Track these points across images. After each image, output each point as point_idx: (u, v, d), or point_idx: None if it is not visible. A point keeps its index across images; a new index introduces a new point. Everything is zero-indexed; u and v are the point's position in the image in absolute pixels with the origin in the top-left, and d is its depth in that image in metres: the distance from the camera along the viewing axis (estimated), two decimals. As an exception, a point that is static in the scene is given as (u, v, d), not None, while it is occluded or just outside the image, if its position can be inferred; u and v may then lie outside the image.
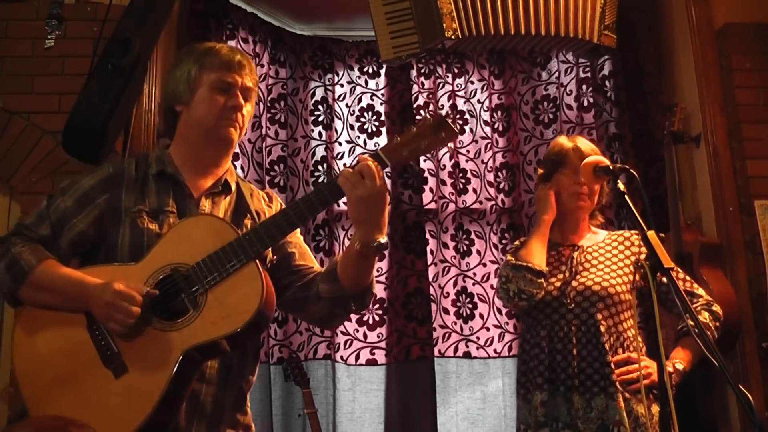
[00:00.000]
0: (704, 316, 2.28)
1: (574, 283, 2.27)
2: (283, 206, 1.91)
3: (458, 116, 3.59)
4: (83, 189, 1.78)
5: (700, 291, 2.36)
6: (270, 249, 1.78)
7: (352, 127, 3.58)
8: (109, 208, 1.75)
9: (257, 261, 1.66)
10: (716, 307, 2.32)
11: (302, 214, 1.70)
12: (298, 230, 1.88)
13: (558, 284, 2.29)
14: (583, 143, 2.40)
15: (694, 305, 2.31)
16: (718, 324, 2.30)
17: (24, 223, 1.79)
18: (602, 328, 2.20)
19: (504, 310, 3.40)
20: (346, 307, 1.82)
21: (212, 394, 1.69)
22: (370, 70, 3.65)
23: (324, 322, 1.89)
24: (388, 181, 3.51)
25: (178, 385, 1.59)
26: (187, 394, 1.64)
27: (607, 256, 2.33)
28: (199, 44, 1.92)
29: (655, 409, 2.16)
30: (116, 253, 1.71)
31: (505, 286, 2.28)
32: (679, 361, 2.23)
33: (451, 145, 1.70)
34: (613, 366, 2.16)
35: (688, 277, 2.39)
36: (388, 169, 1.69)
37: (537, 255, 2.28)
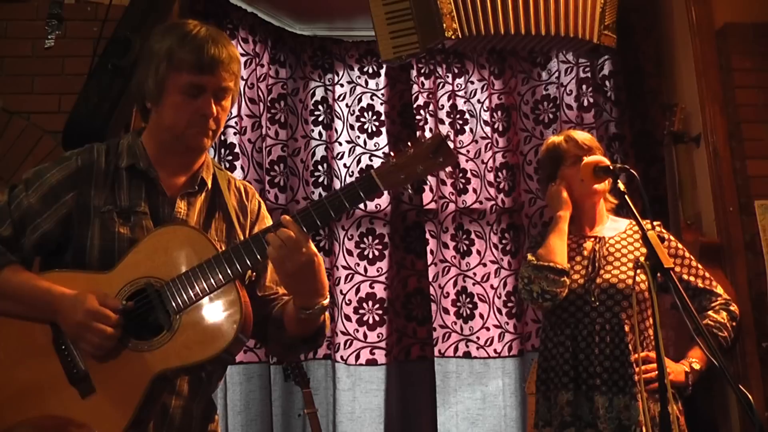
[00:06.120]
0: (722, 316, 2.28)
1: (598, 280, 2.23)
2: (261, 203, 1.84)
3: (458, 116, 3.59)
4: (49, 184, 1.63)
5: (719, 289, 2.35)
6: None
7: (352, 127, 3.58)
8: (77, 207, 1.62)
9: (237, 282, 1.55)
10: (733, 307, 2.33)
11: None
12: None
13: (581, 281, 2.25)
14: (574, 132, 2.41)
15: (713, 304, 2.31)
16: (734, 323, 2.30)
17: None
18: (626, 327, 2.16)
19: (504, 310, 3.40)
20: (299, 350, 1.75)
21: (182, 407, 1.62)
22: (370, 70, 3.66)
23: (284, 356, 1.81)
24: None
25: (147, 407, 1.52)
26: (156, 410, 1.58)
27: (630, 248, 2.29)
28: (175, 27, 1.68)
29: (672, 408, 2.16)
30: (84, 257, 1.59)
31: (528, 288, 2.24)
32: (696, 361, 2.23)
33: (449, 169, 1.63)
34: (635, 366, 2.13)
35: (707, 274, 2.36)
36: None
37: (558, 253, 2.23)
